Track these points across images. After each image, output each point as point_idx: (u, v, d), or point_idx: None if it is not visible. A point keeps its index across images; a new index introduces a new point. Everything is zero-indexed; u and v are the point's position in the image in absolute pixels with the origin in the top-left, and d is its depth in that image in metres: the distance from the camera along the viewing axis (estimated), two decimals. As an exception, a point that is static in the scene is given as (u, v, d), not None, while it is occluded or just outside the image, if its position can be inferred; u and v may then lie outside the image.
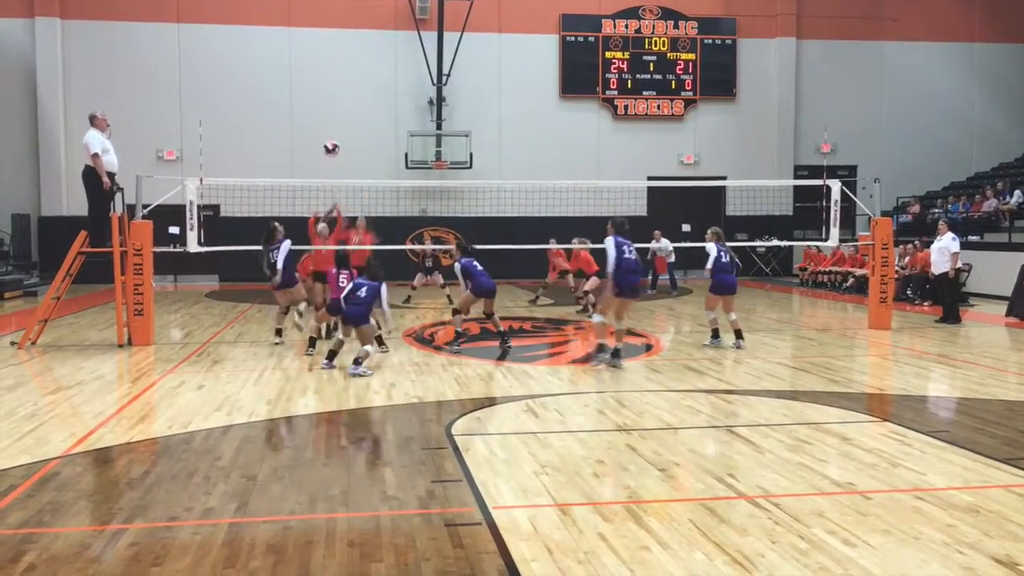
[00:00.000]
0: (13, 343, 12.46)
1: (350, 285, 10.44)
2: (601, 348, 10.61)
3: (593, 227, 16.22)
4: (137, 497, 5.68)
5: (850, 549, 4.72)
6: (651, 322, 15.55)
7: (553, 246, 17.75)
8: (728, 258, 12.48)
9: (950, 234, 15.00)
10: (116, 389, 9.54)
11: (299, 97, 25.42)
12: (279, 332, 12.60)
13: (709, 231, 12.95)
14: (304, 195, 21.48)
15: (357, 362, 10.18)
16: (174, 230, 18.32)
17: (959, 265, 15.13)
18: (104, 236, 12.70)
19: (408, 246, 20.34)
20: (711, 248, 12.53)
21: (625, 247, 10.46)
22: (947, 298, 15.08)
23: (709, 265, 12.40)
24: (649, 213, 25.18)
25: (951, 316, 14.84)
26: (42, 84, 24.41)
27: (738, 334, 12.17)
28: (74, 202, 22.69)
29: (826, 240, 15.42)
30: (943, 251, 14.91)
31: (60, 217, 23.83)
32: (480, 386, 9.51)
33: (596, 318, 10.81)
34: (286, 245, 12.40)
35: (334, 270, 11.28)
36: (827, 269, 22.35)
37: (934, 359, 11.40)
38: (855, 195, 16.26)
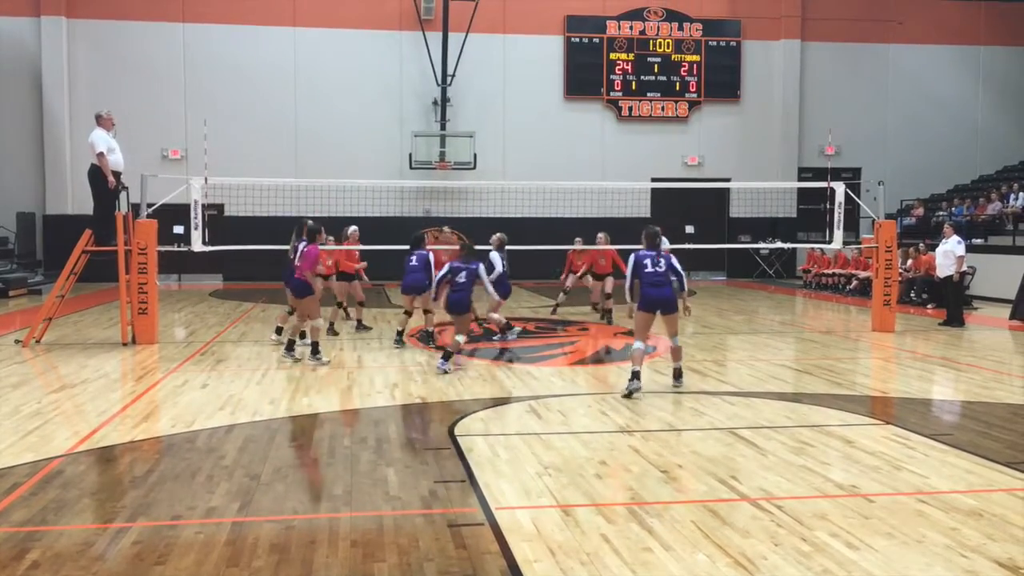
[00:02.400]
0: (17, 341, 12.49)
1: (444, 271, 10.24)
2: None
3: (597, 228, 16.21)
4: (140, 496, 5.69)
5: (853, 552, 4.72)
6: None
7: (579, 247, 16.44)
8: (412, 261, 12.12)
9: (956, 237, 14.99)
10: (120, 388, 9.56)
11: (304, 97, 25.44)
12: (279, 330, 12.57)
13: (494, 236, 13.10)
14: (308, 195, 21.54)
15: (446, 357, 10.11)
16: (178, 229, 18.40)
17: (964, 268, 15.10)
18: (109, 235, 12.72)
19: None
20: (494, 257, 12.61)
21: (658, 259, 9.21)
22: (951, 301, 15.06)
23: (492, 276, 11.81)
24: (653, 215, 25.14)
25: (955, 319, 14.82)
26: (47, 83, 24.44)
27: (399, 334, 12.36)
28: (79, 201, 22.72)
29: (830, 242, 15.41)
30: (948, 254, 14.89)
31: (65, 216, 23.86)
32: (483, 387, 9.51)
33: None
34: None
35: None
36: (830, 271, 22.33)
37: (937, 362, 11.39)
38: (859, 197, 16.27)
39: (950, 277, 14.90)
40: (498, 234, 13.28)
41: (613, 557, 4.64)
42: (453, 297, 10.16)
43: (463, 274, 10.16)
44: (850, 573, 4.45)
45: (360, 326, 13.99)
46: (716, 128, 27.23)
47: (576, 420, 7.94)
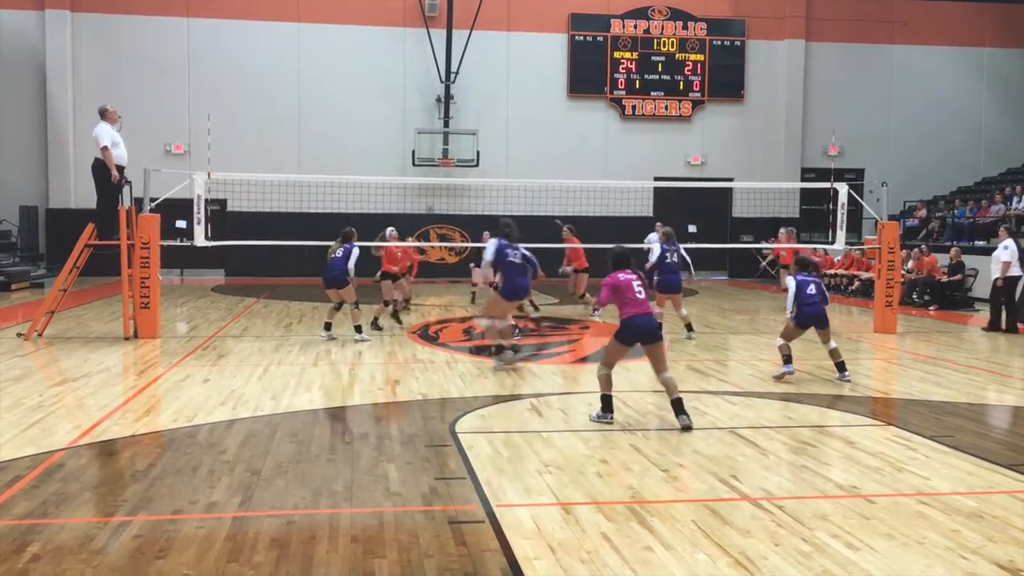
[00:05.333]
0: (20, 334, 12.50)
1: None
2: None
3: (598, 226, 16.22)
4: (142, 490, 5.70)
5: (853, 553, 4.72)
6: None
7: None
8: (672, 257, 13.14)
9: (1006, 240, 14.44)
10: (122, 382, 9.57)
11: (307, 93, 25.42)
12: (328, 326, 12.71)
13: (660, 230, 14.00)
14: (311, 191, 21.52)
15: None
16: (181, 224, 18.41)
17: (1012, 273, 14.26)
18: (112, 229, 12.73)
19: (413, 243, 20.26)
20: (655, 247, 13.33)
21: (811, 284, 9.82)
22: (1005, 305, 14.43)
23: (652, 259, 13.14)
24: (655, 214, 25.12)
25: (1009, 325, 14.29)
26: (51, 77, 24.43)
27: (688, 327, 13.29)
28: (82, 195, 22.72)
29: (832, 243, 15.37)
30: (996, 259, 14.50)
31: (68, 209, 23.86)
32: (484, 384, 9.52)
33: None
34: (356, 250, 12.49)
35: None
36: (833, 272, 22.31)
37: (939, 363, 11.38)
38: (862, 198, 16.23)
39: (996, 281, 14.38)
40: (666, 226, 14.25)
41: (613, 556, 4.64)
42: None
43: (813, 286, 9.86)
44: (850, 574, 4.45)
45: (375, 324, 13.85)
46: (719, 128, 27.20)
47: (577, 418, 7.94)
